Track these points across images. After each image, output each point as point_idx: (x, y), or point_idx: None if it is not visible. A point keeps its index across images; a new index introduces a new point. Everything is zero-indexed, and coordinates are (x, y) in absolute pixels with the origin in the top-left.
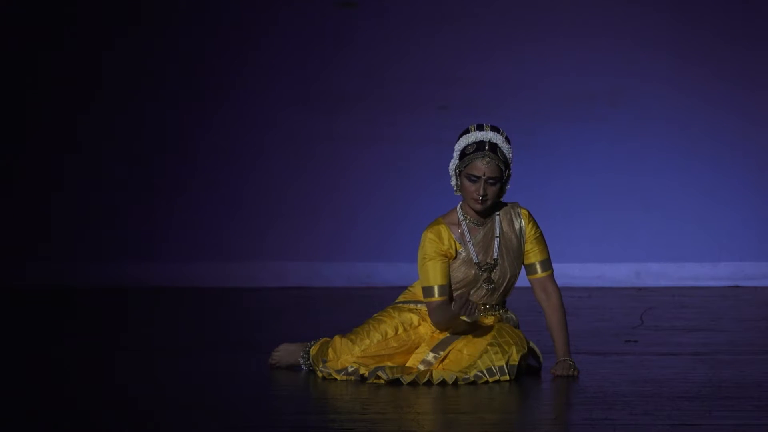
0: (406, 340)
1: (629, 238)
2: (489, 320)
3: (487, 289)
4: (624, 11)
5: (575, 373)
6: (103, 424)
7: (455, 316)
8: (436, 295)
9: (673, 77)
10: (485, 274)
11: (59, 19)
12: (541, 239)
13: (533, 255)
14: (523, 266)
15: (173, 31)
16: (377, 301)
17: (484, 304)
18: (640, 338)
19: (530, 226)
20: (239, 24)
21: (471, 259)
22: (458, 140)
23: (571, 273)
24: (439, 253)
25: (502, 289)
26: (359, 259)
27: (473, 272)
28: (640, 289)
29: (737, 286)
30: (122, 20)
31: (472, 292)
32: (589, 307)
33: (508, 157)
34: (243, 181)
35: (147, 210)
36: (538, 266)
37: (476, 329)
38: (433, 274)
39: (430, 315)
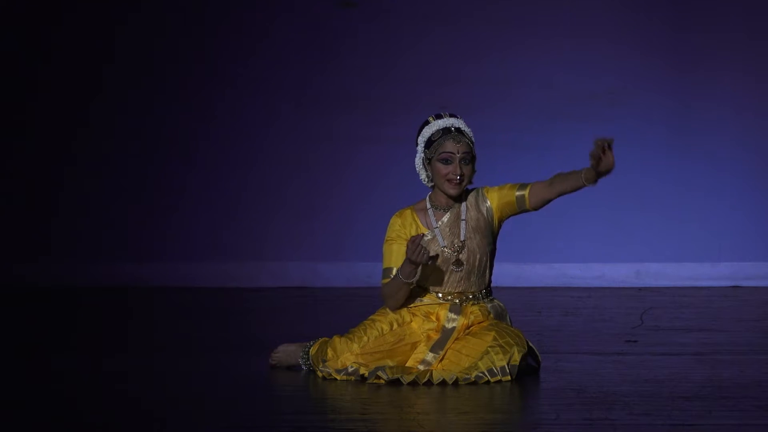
0: (401, 334)
1: (629, 238)
2: (475, 311)
3: (457, 272)
4: (624, 11)
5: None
6: (102, 425)
7: (404, 275)
8: (393, 276)
9: (672, 77)
10: (453, 256)
11: (60, 19)
12: (502, 185)
13: (509, 192)
14: (515, 207)
15: (172, 31)
16: (377, 301)
17: (466, 295)
18: (640, 338)
19: (491, 189)
20: (238, 24)
21: (437, 241)
22: (420, 132)
23: (571, 273)
24: (401, 236)
25: (475, 270)
26: (359, 259)
27: (441, 255)
28: (640, 289)
29: (737, 286)
30: (121, 20)
31: (445, 279)
32: (589, 307)
33: (473, 139)
34: (243, 181)
35: (146, 210)
36: (519, 189)
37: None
38: (396, 256)
39: (383, 293)
